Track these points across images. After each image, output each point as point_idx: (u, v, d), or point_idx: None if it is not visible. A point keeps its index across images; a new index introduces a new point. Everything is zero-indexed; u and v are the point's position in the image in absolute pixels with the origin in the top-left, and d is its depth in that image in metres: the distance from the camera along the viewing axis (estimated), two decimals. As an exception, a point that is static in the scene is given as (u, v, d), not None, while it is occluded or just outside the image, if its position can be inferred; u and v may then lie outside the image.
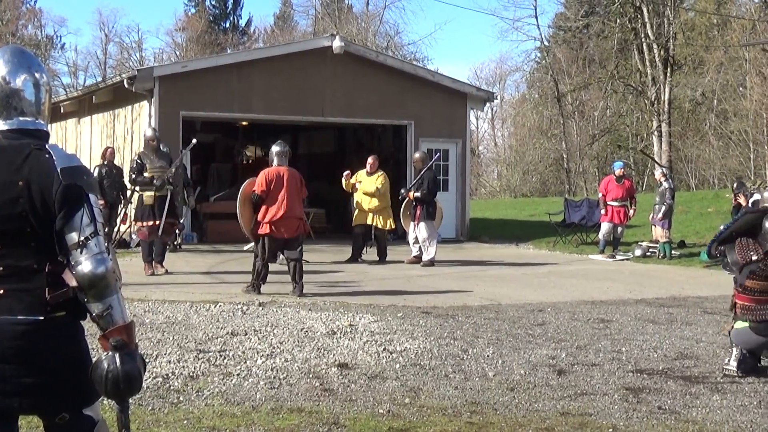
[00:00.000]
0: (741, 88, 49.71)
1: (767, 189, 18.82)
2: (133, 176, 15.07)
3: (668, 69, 47.89)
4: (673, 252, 19.81)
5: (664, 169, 22.47)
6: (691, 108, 52.48)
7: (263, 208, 12.54)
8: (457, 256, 19.61)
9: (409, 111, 23.33)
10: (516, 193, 55.23)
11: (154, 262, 14.92)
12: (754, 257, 8.07)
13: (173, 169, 15.01)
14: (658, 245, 19.72)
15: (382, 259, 17.94)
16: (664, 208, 19.52)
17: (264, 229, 12.53)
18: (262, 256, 12.64)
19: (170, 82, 20.93)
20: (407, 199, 17.81)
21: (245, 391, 7.15)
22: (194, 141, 16.05)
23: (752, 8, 53.23)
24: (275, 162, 12.92)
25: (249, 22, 79.34)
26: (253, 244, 13.04)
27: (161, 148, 15.52)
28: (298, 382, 7.49)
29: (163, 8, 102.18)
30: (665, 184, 19.90)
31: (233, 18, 76.80)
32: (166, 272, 14.78)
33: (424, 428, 6.28)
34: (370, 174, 17.96)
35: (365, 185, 17.86)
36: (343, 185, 18.22)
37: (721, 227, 8.75)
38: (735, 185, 21.73)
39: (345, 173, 18.14)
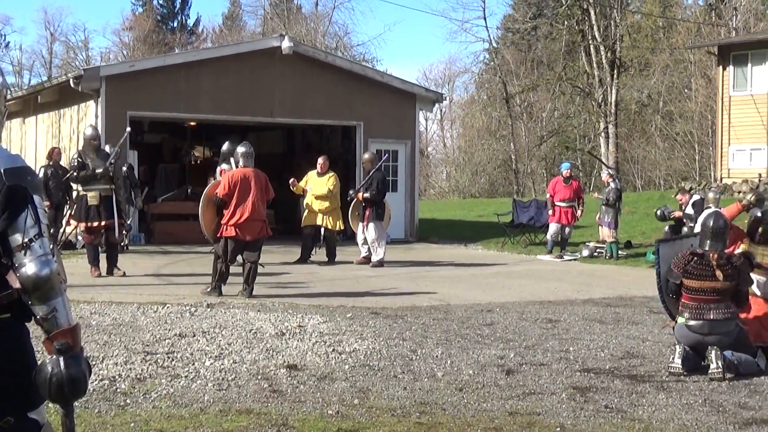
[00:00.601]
0: (686, 90, 50.37)
1: (711, 190, 19.17)
2: (74, 174, 14.84)
3: (615, 71, 48.32)
4: (620, 252, 20.01)
5: (610, 170, 22.68)
6: (638, 109, 53.04)
7: (228, 210, 12.44)
8: (406, 256, 19.64)
9: (359, 112, 23.33)
10: (465, 193, 55.43)
11: (109, 266, 14.76)
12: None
13: (111, 161, 14.77)
14: (605, 245, 19.89)
15: (331, 260, 17.91)
16: (606, 209, 19.71)
17: (228, 232, 12.45)
18: (224, 258, 12.56)
19: (117, 82, 20.74)
20: (356, 200, 17.80)
21: (193, 393, 7.11)
22: (128, 130, 15.91)
23: (697, 11, 53.98)
24: (241, 163, 12.85)
25: (197, 22, 79.00)
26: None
27: (104, 147, 15.35)
28: (247, 384, 7.46)
29: (109, 7, 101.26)
30: (611, 185, 20.10)
31: (181, 17, 76.35)
32: (124, 274, 14.63)
33: (373, 429, 6.28)
34: (320, 175, 17.93)
35: (316, 186, 17.82)
36: (293, 190, 18.17)
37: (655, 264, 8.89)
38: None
39: (291, 181, 18.08)
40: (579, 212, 20.19)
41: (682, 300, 8.40)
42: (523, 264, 18.95)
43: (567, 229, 20.10)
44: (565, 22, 52.15)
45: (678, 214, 18.66)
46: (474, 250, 22.29)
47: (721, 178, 32.02)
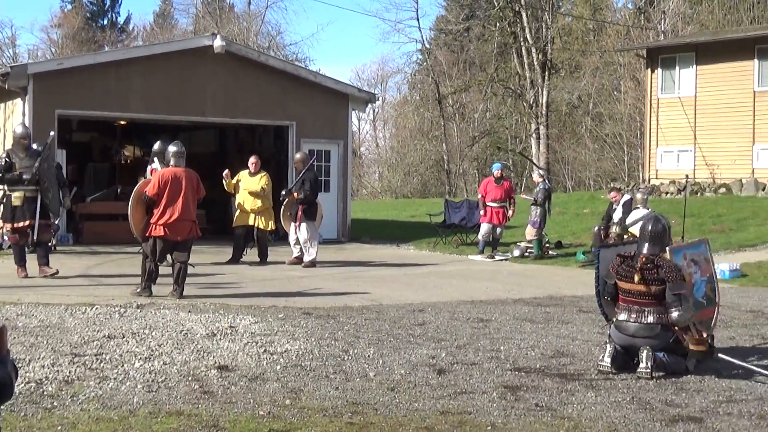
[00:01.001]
0: (616, 92, 51.04)
1: (639, 191, 19.44)
2: (1, 174, 14.61)
3: (546, 72, 48.85)
4: (550, 252, 20.20)
5: (541, 170, 22.89)
6: (568, 111, 53.65)
7: (158, 209, 12.30)
8: (338, 256, 19.62)
9: (291, 112, 23.24)
10: (397, 194, 55.56)
11: (40, 266, 14.52)
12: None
13: (37, 164, 14.56)
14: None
15: (263, 260, 17.83)
16: (534, 208, 19.89)
17: (157, 231, 12.31)
18: (153, 258, 12.43)
19: (45, 80, 20.41)
20: (288, 200, 17.74)
21: (122, 395, 7.02)
22: (52, 134, 15.68)
23: (626, 14, 54.71)
24: (172, 162, 12.72)
25: (128, 20, 78.13)
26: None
27: (33, 146, 15.11)
28: (177, 385, 7.39)
29: (37, 4, 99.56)
30: (540, 186, 20.28)
31: (111, 15, 75.44)
32: (56, 273, 14.39)
33: (304, 429, 6.27)
34: (252, 174, 17.84)
35: (248, 186, 17.73)
36: (225, 186, 18.06)
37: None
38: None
39: (225, 173, 17.98)
40: (510, 212, 20.33)
41: (618, 301, 8.52)
42: (455, 264, 19.04)
43: (498, 230, 20.22)
44: (497, 24, 52.58)
45: None
46: (406, 250, 22.34)
47: (649, 179, 32.50)
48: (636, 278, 8.28)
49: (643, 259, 8.32)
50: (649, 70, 33.45)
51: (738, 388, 7.76)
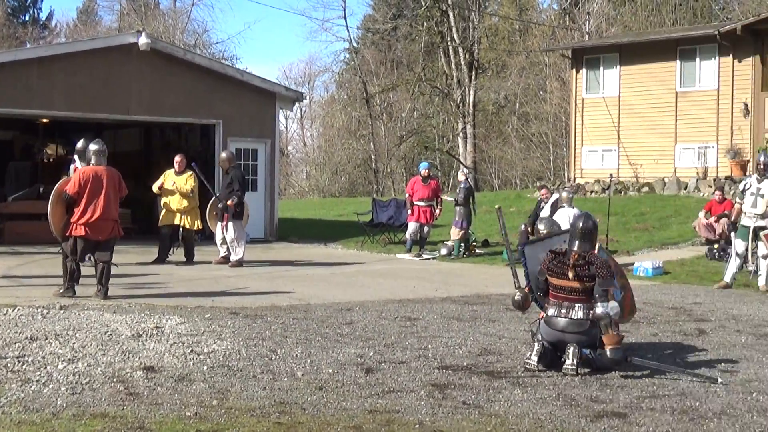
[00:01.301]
0: (541, 92, 51.59)
1: (565, 190, 19.67)
2: None
3: (473, 72, 49.18)
4: (477, 250, 20.33)
5: (465, 170, 23.03)
6: (495, 110, 54.08)
7: (79, 208, 12.11)
8: (265, 256, 19.53)
9: (218, 110, 23.07)
10: (325, 193, 55.52)
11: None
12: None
13: None
14: (462, 245, 20.16)
15: (189, 259, 17.67)
16: (457, 209, 19.99)
17: (78, 231, 12.12)
18: (73, 257, 12.23)
19: (-35, 76, 20.02)
20: (214, 199, 17.62)
21: (45, 398, 6.90)
22: None
23: (552, 15, 55.30)
24: (92, 161, 12.52)
25: (50, 16, 77.01)
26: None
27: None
28: (102, 387, 7.29)
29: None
30: (461, 185, 20.39)
31: (33, 11, 74.27)
32: None
33: (232, 430, 6.22)
34: (178, 173, 17.66)
35: (175, 185, 17.54)
36: (154, 190, 17.84)
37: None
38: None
39: (157, 186, 17.71)
40: (437, 211, 20.42)
41: (548, 297, 8.60)
42: (383, 263, 19.07)
43: (426, 228, 20.30)
44: (425, 24, 52.80)
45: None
46: (334, 249, 22.32)
47: (575, 178, 32.88)
48: (570, 274, 8.36)
49: (576, 256, 8.41)
50: (574, 70, 33.84)
51: (661, 384, 7.89)
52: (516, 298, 8.79)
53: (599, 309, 8.27)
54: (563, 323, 8.39)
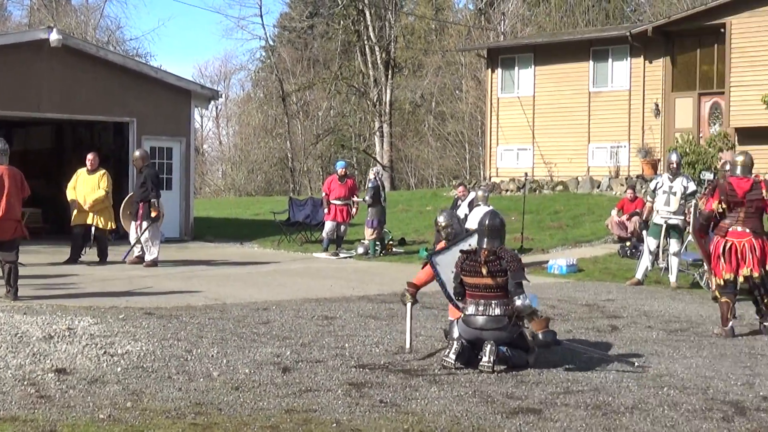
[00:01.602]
0: (457, 92, 51.97)
1: (480, 188, 19.83)
2: None
3: (389, 71, 49.32)
4: (394, 249, 20.39)
5: (374, 169, 23.05)
6: (411, 109, 54.31)
7: (-21, 209, 11.83)
8: (181, 255, 19.33)
9: (132, 108, 22.74)
10: (241, 191, 55.19)
11: None
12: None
13: None
14: (378, 244, 20.18)
15: (102, 259, 17.40)
16: (370, 210, 20.02)
17: (-21, 232, 11.86)
18: (-24, 258, 11.96)
19: None
20: (127, 198, 17.39)
21: (-47, 402, 6.74)
22: None
23: (468, 15, 55.71)
24: None
25: (-43, 11, 74.93)
26: None
27: None
28: (12, 390, 7.14)
29: None
30: (369, 185, 20.34)
31: (-60, 5, 72.25)
32: None
33: (146, 432, 6.15)
34: (90, 172, 17.38)
35: (86, 184, 17.26)
36: (69, 196, 17.50)
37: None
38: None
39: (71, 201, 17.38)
40: (354, 210, 20.44)
41: (466, 296, 8.66)
42: (300, 262, 19.02)
43: (342, 227, 20.30)
44: (341, 22, 52.80)
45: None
46: (250, 248, 22.19)
47: (490, 177, 33.17)
48: (484, 271, 8.44)
49: (486, 253, 8.49)
50: (490, 70, 34.13)
51: (575, 380, 7.99)
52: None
53: (518, 302, 8.37)
54: (482, 321, 8.45)
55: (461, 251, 8.73)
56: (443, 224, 9.96)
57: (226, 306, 11.99)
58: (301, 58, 58.06)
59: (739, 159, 11.05)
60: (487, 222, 8.68)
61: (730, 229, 10.67)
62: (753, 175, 11.03)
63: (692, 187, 15.40)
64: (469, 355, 8.42)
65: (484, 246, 8.56)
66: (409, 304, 9.27)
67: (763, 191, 10.71)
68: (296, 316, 11.20)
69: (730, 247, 10.62)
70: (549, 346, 8.43)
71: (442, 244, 9.97)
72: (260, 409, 6.78)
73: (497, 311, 8.46)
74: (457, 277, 8.69)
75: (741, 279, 10.64)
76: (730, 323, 10.62)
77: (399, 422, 6.55)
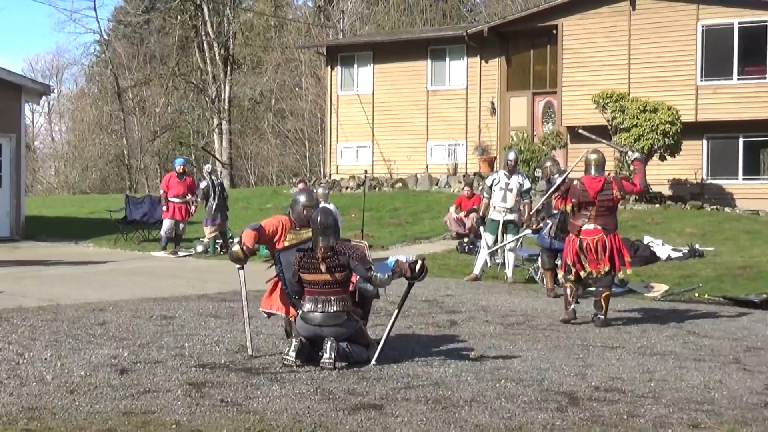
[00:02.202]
0: (297, 89, 51.92)
1: (321, 186, 19.86)
2: None
3: (228, 68, 48.89)
4: (217, 249, 20.22)
5: (207, 166, 22.82)
6: (251, 106, 54.01)
7: None
8: (12, 256, 18.70)
9: (-44, 102, 21.89)
10: (75, 189, 53.77)
11: None
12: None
13: None
14: (219, 242, 19.97)
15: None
16: (210, 206, 19.80)
17: None
18: None
19: None
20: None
21: None
22: None
23: (307, 12, 55.75)
24: None
25: None
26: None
27: None
28: None
29: None
30: (203, 183, 20.07)
31: None
32: None
33: (-25, 439, 5.91)
34: None
35: None
36: None
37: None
38: None
39: None
40: (193, 208, 20.18)
41: (304, 294, 8.64)
42: (137, 261, 18.66)
43: (181, 225, 20.03)
44: (178, 17, 52.05)
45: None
46: (86, 247, 21.64)
47: (330, 174, 33.27)
48: (323, 267, 8.45)
49: (323, 250, 8.51)
50: (329, 67, 34.25)
51: (415, 375, 8.08)
52: None
53: (376, 275, 8.51)
54: (320, 317, 8.46)
55: (298, 250, 8.72)
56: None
57: (61, 307, 11.65)
58: (137, 53, 56.95)
59: (592, 157, 11.46)
60: (319, 220, 8.69)
61: (583, 228, 11.13)
62: (606, 173, 11.51)
63: (527, 184, 15.82)
64: (309, 352, 8.41)
65: (320, 243, 8.58)
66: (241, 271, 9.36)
67: (614, 191, 11.17)
68: (134, 317, 10.97)
69: (583, 245, 11.07)
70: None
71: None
72: (96, 413, 6.61)
73: (335, 307, 8.49)
74: (295, 275, 8.68)
75: (595, 273, 11.14)
76: (572, 306, 11.11)
77: (240, 421, 6.49)
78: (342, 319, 8.47)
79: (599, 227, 11.10)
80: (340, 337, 8.38)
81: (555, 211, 13.12)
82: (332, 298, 8.50)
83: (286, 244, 9.15)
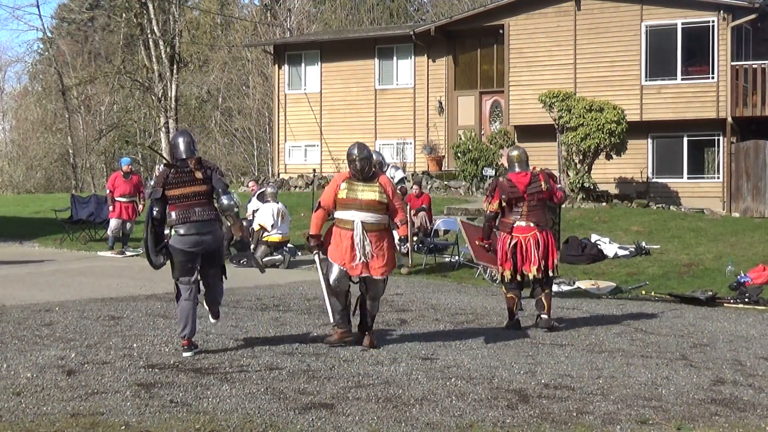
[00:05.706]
0: (245, 87, 51.71)
1: (269, 185, 19.83)
2: None
3: (174, 66, 48.48)
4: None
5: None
6: (198, 105, 53.66)
7: None
8: (-45, 256, 18.42)
9: None
10: (19, 189, 53.08)
11: None
12: None
13: None
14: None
15: None
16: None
17: None
18: None
19: None
20: None
21: None
22: None
23: (253, 11, 55.53)
24: None
25: None
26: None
27: None
28: None
29: None
30: (151, 182, 19.98)
31: None
32: None
33: None
34: None
35: None
36: None
37: None
38: None
39: None
40: (140, 207, 20.02)
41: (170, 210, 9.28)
42: (84, 261, 18.46)
43: (128, 225, 19.86)
44: (123, 15, 51.54)
45: None
46: (30, 248, 21.35)
47: (279, 174, 33.17)
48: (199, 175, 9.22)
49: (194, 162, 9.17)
50: (276, 66, 34.14)
51: (366, 374, 8.09)
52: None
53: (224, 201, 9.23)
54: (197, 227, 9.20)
55: (165, 165, 9.33)
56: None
57: (5, 308, 11.49)
58: (82, 51, 56.36)
59: (514, 154, 11.16)
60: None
61: (515, 225, 10.85)
62: (531, 168, 11.21)
63: (400, 174, 16.39)
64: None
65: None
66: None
67: (542, 183, 10.94)
68: (81, 317, 10.86)
69: (516, 244, 10.84)
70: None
71: None
72: (44, 415, 6.53)
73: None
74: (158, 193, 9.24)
75: (530, 275, 10.87)
76: (516, 316, 10.95)
77: (190, 422, 6.45)
78: (214, 227, 9.07)
79: (532, 224, 10.80)
80: (214, 245, 9.11)
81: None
82: (204, 208, 9.07)
83: (342, 196, 9.57)
